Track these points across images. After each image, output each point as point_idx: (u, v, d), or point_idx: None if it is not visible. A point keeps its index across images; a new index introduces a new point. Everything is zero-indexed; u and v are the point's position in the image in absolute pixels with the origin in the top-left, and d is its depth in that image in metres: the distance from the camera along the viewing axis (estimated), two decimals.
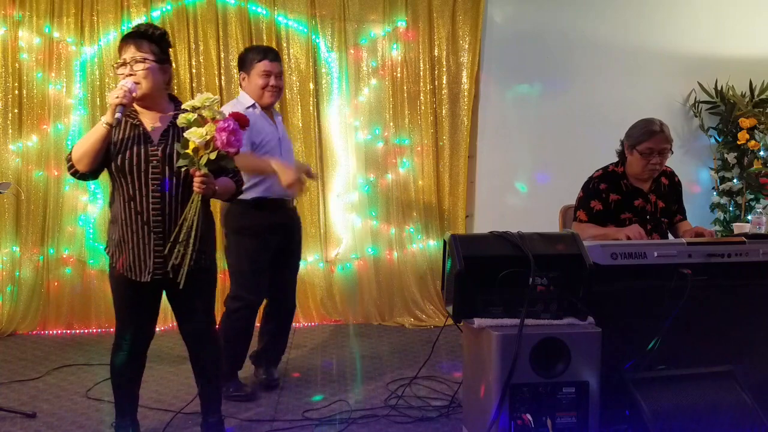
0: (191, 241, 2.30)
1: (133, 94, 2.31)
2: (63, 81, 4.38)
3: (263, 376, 3.36)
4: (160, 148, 2.36)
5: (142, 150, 2.35)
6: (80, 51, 4.38)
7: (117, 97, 2.26)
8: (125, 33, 2.47)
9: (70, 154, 2.37)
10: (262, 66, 3.18)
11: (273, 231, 3.19)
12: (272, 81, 3.20)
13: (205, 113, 2.22)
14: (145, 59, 2.36)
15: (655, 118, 3.05)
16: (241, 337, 3.20)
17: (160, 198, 2.36)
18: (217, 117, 2.22)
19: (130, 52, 2.37)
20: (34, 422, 2.91)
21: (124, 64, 2.37)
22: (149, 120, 2.41)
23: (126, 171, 2.35)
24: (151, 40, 2.41)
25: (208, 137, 2.19)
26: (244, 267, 3.16)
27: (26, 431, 2.83)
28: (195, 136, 2.20)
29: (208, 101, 2.23)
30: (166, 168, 2.35)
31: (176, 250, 2.32)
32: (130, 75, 2.35)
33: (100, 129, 2.29)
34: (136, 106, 2.41)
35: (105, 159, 2.37)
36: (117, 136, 2.37)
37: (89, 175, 2.40)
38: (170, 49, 2.53)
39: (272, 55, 3.26)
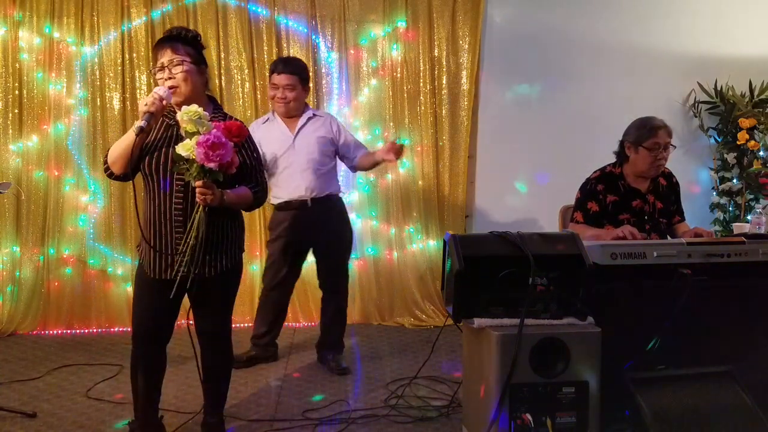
0: (196, 251, 2.32)
1: (164, 102, 2.32)
2: (63, 81, 4.39)
3: (332, 363, 3.61)
4: None
5: (170, 151, 2.37)
6: (80, 51, 4.38)
7: (146, 105, 2.28)
8: (159, 38, 2.48)
9: (106, 156, 2.41)
10: (271, 79, 3.53)
11: (292, 228, 3.54)
12: (279, 93, 3.48)
13: (187, 127, 2.22)
14: (183, 62, 2.38)
15: (653, 116, 3.07)
16: (259, 311, 3.75)
17: (182, 198, 2.37)
18: (201, 130, 2.22)
19: (168, 56, 2.38)
20: (34, 422, 2.91)
21: (162, 68, 2.38)
22: None
23: (153, 170, 2.38)
24: (186, 42, 2.42)
25: (192, 151, 2.19)
26: (266, 260, 3.69)
27: (26, 431, 2.83)
28: (183, 149, 2.21)
29: (186, 115, 2.22)
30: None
31: (179, 260, 2.35)
32: (170, 78, 2.37)
33: (130, 135, 2.32)
34: (174, 107, 2.42)
35: (140, 160, 2.40)
36: (151, 136, 2.39)
37: (124, 176, 2.43)
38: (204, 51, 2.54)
39: (280, 67, 3.51)
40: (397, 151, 3.46)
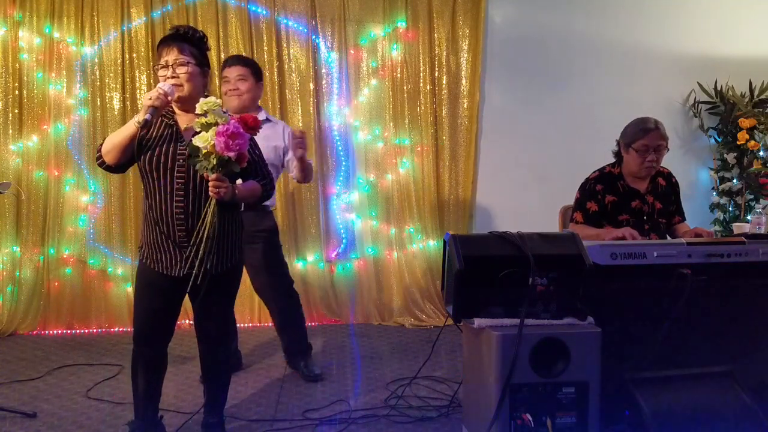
0: (209, 244, 2.32)
1: (169, 98, 2.33)
2: (63, 81, 4.39)
3: (304, 370, 3.48)
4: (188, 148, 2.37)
5: (171, 149, 2.37)
6: (80, 51, 4.39)
7: (150, 99, 2.29)
8: (166, 34, 2.48)
9: (101, 145, 2.41)
10: (223, 74, 3.34)
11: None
12: (230, 85, 3.29)
13: (208, 118, 2.23)
14: (188, 63, 2.39)
15: (650, 117, 3.06)
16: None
17: (183, 196, 2.37)
18: (219, 121, 2.23)
19: (173, 55, 2.38)
20: (34, 422, 2.91)
21: (166, 66, 2.38)
22: (185, 121, 2.43)
23: (153, 168, 2.38)
24: (192, 43, 2.43)
25: (211, 142, 2.20)
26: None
27: (27, 431, 2.83)
28: (200, 141, 2.22)
29: (206, 105, 2.23)
30: (192, 167, 2.35)
31: (193, 254, 2.35)
32: (173, 77, 2.37)
33: (130, 126, 2.33)
34: (174, 107, 2.44)
35: (134, 155, 2.39)
36: (150, 133, 2.39)
37: (116, 168, 2.43)
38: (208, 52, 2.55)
39: (231, 60, 3.37)
40: (299, 143, 3.21)
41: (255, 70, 3.36)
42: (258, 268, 3.40)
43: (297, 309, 3.55)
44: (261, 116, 3.31)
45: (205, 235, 2.31)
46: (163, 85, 2.33)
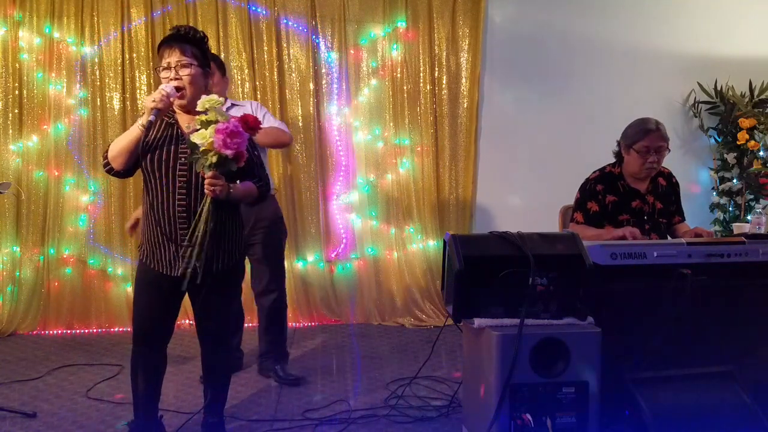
0: (204, 242, 2.31)
1: (171, 99, 2.33)
2: (63, 81, 4.39)
3: (280, 373, 3.44)
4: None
5: (172, 148, 2.37)
6: (80, 51, 4.39)
7: (153, 101, 2.29)
8: (167, 35, 2.47)
9: (107, 151, 2.41)
10: None
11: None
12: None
13: (209, 116, 2.23)
14: (190, 64, 2.38)
15: (650, 117, 3.05)
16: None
17: (185, 195, 2.37)
18: (220, 119, 2.23)
19: (176, 56, 2.38)
20: (34, 422, 2.91)
21: (168, 68, 2.38)
22: (185, 121, 2.43)
23: (155, 167, 2.38)
24: (194, 43, 2.42)
25: (210, 139, 2.20)
26: None
27: (26, 431, 2.83)
28: (198, 138, 2.22)
29: (208, 102, 2.24)
30: (193, 165, 2.35)
31: (188, 253, 2.34)
32: (176, 79, 2.37)
33: (135, 130, 2.33)
34: (175, 107, 2.43)
35: (139, 158, 2.39)
36: (151, 134, 2.39)
37: (124, 173, 2.43)
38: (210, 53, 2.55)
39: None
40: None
41: (219, 65, 3.39)
42: (259, 260, 3.40)
43: (286, 306, 3.56)
44: (226, 104, 3.34)
45: (200, 234, 2.31)
46: (166, 87, 2.33)
